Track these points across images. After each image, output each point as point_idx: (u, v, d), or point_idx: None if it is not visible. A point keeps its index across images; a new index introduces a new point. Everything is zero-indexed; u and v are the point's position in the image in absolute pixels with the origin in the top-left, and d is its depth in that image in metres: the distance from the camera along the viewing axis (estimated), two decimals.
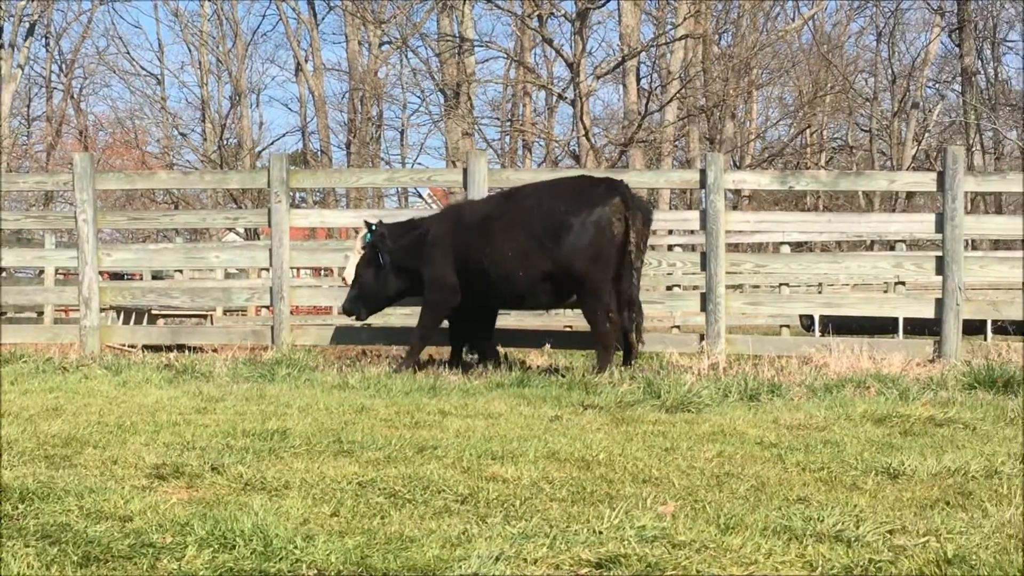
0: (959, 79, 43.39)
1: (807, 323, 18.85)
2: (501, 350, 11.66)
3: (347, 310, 11.66)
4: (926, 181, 12.69)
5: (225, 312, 21.94)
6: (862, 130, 48.51)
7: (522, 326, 13.83)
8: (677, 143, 37.67)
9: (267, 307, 17.60)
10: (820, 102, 41.60)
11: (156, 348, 13.15)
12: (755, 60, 37.14)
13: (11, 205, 37.49)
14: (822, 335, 14.45)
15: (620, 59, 33.42)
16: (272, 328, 12.61)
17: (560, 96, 36.65)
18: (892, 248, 19.15)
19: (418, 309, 11.58)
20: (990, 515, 4.45)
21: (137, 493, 4.83)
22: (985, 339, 14.18)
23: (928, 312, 11.85)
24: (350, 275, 11.54)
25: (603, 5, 33.85)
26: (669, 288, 17.56)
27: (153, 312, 19.45)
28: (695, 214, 13.10)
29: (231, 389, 9.03)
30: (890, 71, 46.93)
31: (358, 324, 12.25)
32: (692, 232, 20.65)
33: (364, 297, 11.50)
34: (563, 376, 9.73)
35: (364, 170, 22.56)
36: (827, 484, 5.17)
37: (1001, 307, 12.38)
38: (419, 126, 63.12)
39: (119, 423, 6.90)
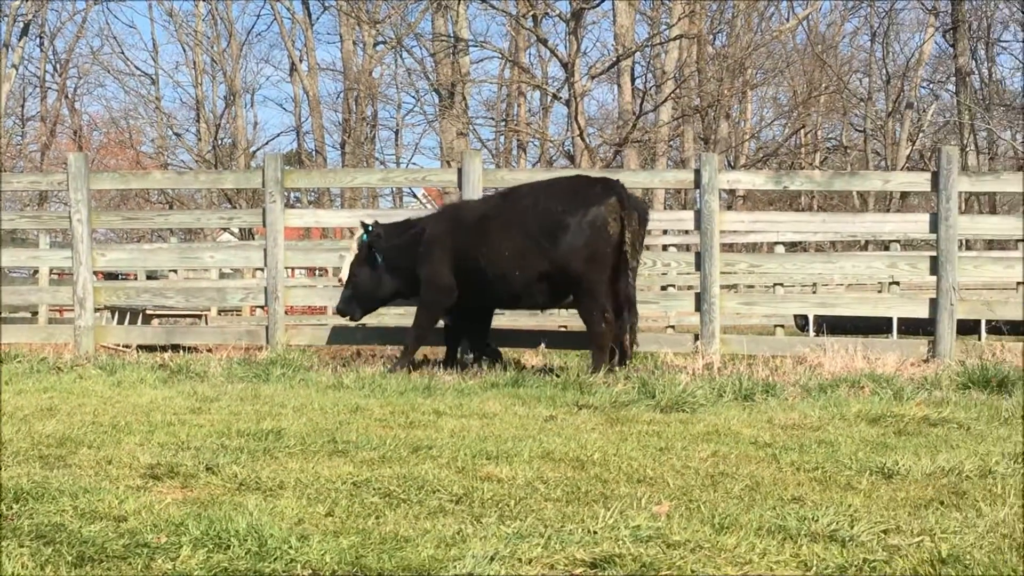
0: (953, 79, 43.46)
1: (801, 323, 18.83)
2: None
3: (341, 311, 11.65)
4: (920, 181, 12.72)
5: (220, 312, 21.92)
6: (856, 130, 48.55)
7: (517, 326, 13.84)
8: (672, 143, 37.69)
9: (262, 307, 17.60)
10: (815, 102, 41.63)
11: (151, 348, 13.13)
12: (750, 60, 37.15)
13: (6, 205, 37.39)
14: (816, 335, 14.42)
15: (615, 59, 33.44)
16: (267, 328, 12.60)
17: (555, 96, 36.66)
18: (886, 248, 19.16)
19: (413, 309, 11.58)
20: (984, 515, 4.46)
21: (132, 493, 4.82)
22: (979, 339, 14.16)
23: (922, 312, 11.86)
24: (346, 275, 11.54)
25: (598, 5, 33.84)
26: (664, 288, 17.57)
27: (148, 312, 19.41)
28: (690, 214, 13.12)
29: (226, 389, 9.03)
30: (884, 71, 46.97)
31: (353, 324, 12.25)
32: (687, 232, 20.63)
33: (358, 297, 11.49)
34: (558, 376, 9.73)
35: (359, 170, 22.56)
36: (821, 484, 5.17)
37: (995, 307, 12.40)
38: (414, 126, 63.05)
39: (114, 423, 6.89)
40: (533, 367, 11.31)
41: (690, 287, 15.40)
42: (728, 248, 18.18)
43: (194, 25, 49.22)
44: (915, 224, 12.83)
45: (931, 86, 48.11)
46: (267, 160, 12.68)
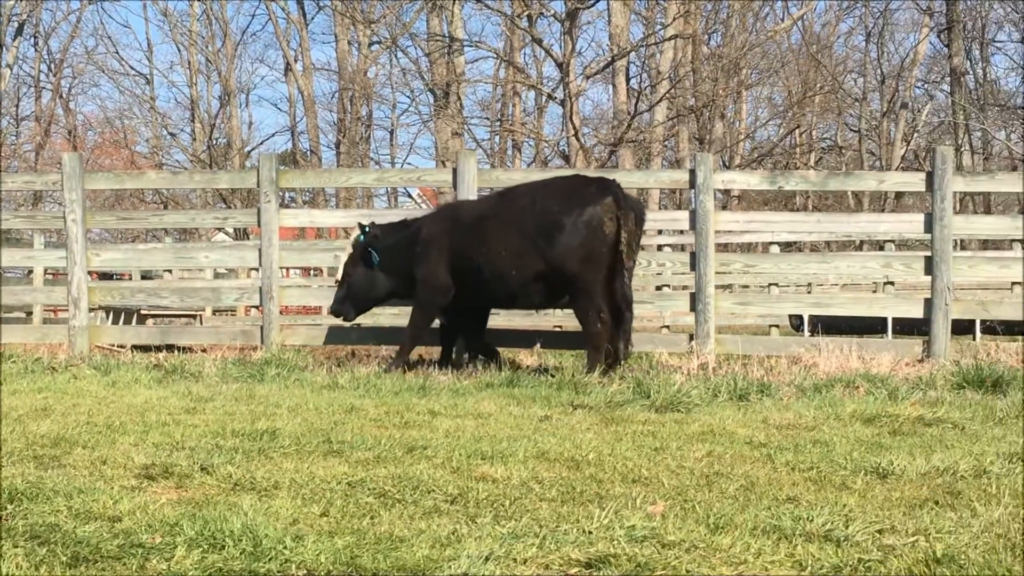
0: (948, 79, 43.48)
1: (796, 323, 18.85)
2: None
3: (335, 311, 11.64)
4: (915, 181, 12.72)
5: (214, 312, 21.91)
6: (851, 130, 48.56)
7: (512, 326, 13.84)
8: (667, 143, 37.71)
9: (256, 307, 17.58)
10: (809, 102, 41.65)
11: (145, 348, 13.12)
12: (744, 60, 37.19)
13: (2, 205, 37.41)
14: (811, 335, 14.45)
15: (610, 59, 33.46)
16: (261, 328, 12.59)
17: (550, 96, 36.66)
18: (881, 248, 19.18)
19: (407, 309, 11.57)
20: (979, 514, 4.46)
21: (126, 493, 4.82)
22: (974, 339, 14.19)
23: (917, 312, 11.87)
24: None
25: (592, 5, 33.89)
26: (659, 288, 17.56)
27: (142, 312, 19.43)
28: (684, 214, 13.11)
29: (220, 389, 9.02)
30: (879, 71, 47.01)
31: (347, 325, 12.24)
32: (681, 232, 20.66)
33: (352, 297, 11.48)
34: (553, 376, 9.73)
35: (354, 170, 22.55)
36: (816, 484, 5.17)
37: (990, 307, 12.41)
38: (409, 126, 63.28)
39: (108, 423, 6.89)
40: (528, 367, 11.31)
41: (685, 287, 15.41)
42: (723, 248, 18.19)
43: (189, 25, 49.25)
44: (910, 224, 12.84)
45: (926, 86, 48.19)
46: (262, 160, 12.67)
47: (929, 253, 11.67)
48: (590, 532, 4.14)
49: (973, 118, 41.16)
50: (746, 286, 19.51)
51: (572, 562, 3.79)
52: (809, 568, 3.75)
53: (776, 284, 14.74)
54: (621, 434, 6.64)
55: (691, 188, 11.98)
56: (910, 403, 7.74)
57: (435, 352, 11.86)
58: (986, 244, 29.25)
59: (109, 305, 16.30)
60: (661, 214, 20.70)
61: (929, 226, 11.61)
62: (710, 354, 11.33)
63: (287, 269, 20.01)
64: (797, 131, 44.25)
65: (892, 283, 13.55)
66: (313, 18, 51.14)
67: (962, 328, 13.83)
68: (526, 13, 34.55)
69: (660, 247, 20.20)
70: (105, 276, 24.74)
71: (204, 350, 12.98)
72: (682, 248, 19.28)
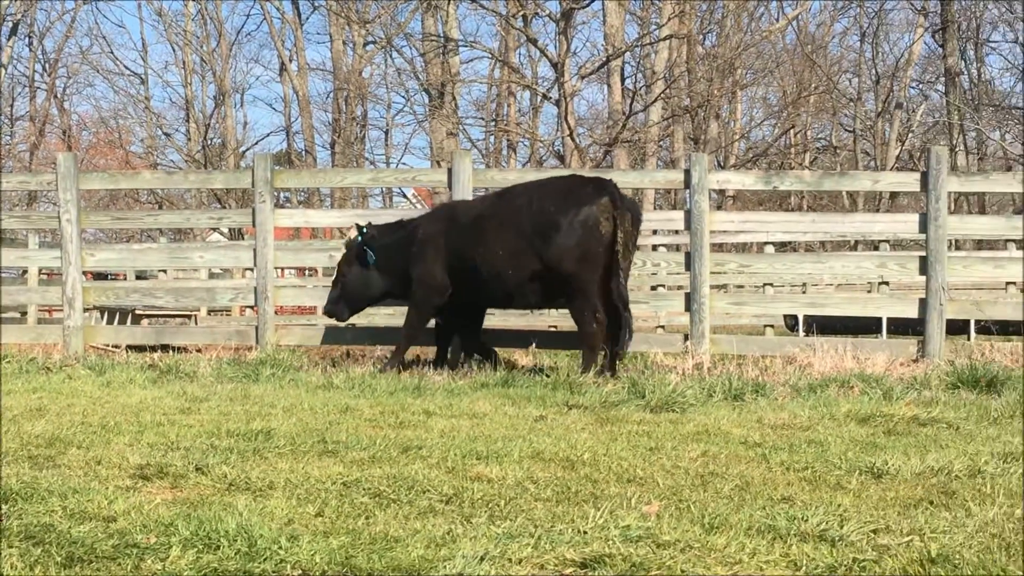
0: (942, 79, 43.50)
1: (791, 323, 18.84)
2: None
3: (329, 312, 11.64)
4: (910, 181, 12.73)
5: (209, 312, 21.87)
6: (846, 130, 48.62)
7: (507, 326, 13.83)
8: (662, 143, 37.69)
9: (251, 307, 17.59)
10: (804, 102, 41.66)
11: (140, 348, 13.12)
12: (739, 60, 37.17)
13: None
14: (806, 335, 14.46)
15: (605, 59, 33.45)
16: (256, 328, 12.58)
17: (545, 96, 36.65)
18: (876, 248, 19.17)
19: (402, 309, 11.57)
20: (973, 514, 4.46)
21: (121, 493, 4.81)
22: (968, 339, 14.19)
23: (912, 312, 11.88)
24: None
25: (587, 5, 33.88)
26: (654, 288, 17.57)
27: (137, 312, 19.37)
28: (679, 214, 13.12)
29: (215, 389, 9.02)
30: (874, 71, 47.06)
31: (342, 325, 12.24)
32: (676, 232, 20.65)
33: (346, 297, 11.48)
34: (548, 376, 9.73)
35: (349, 170, 22.55)
36: (811, 484, 5.18)
37: (984, 307, 12.42)
38: (404, 126, 63.12)
39: (103, 423, 6.88)
40: (523, 367, 11.32)
41: (680, 287, 15.40)
42: (718, 248, 18.18)
43: (183, 25, 49.17)
44: (904, 224, 12.85)
45: (920, 86, 48.22)
46: (257, 160, 12.67)
47: (924, 253, 11.69)
48: (585, 532, 4.14)
49: (968, 118, 41.20)
50: (741, 286, 19.53)
51: (567, 562, 3.79)
52: (804, 568, 3.76)
53: (771, 284, 14.71)
54: (616, 434, 6.64)
55: (686, 188, 11.99)
56: (905, 403, 7.74)
57: (430, 352, 11.86)
58: (981, 244, 29.25)
59: (104, 305, 16.27)
60: (656, 214, 20.70)
61: (924, 226, 11.63)
62: (705, 354, 11.33)
63: (282, 269, 20.04)
64: (792, 131, 44.28)
65: (887, 283, 13.52)
66: (308, 18, 51.30)
67: (957, 328, 13.83)
68: (521, 13, 34.54)
69: (655, 247, 20.19)
70: (100, 276, 24.72)
71: (199, 350, 12.98)
72: (677, 248, 19.29)
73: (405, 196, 46.97)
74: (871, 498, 4.85)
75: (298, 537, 4.05)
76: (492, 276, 10.72)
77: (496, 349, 11.75)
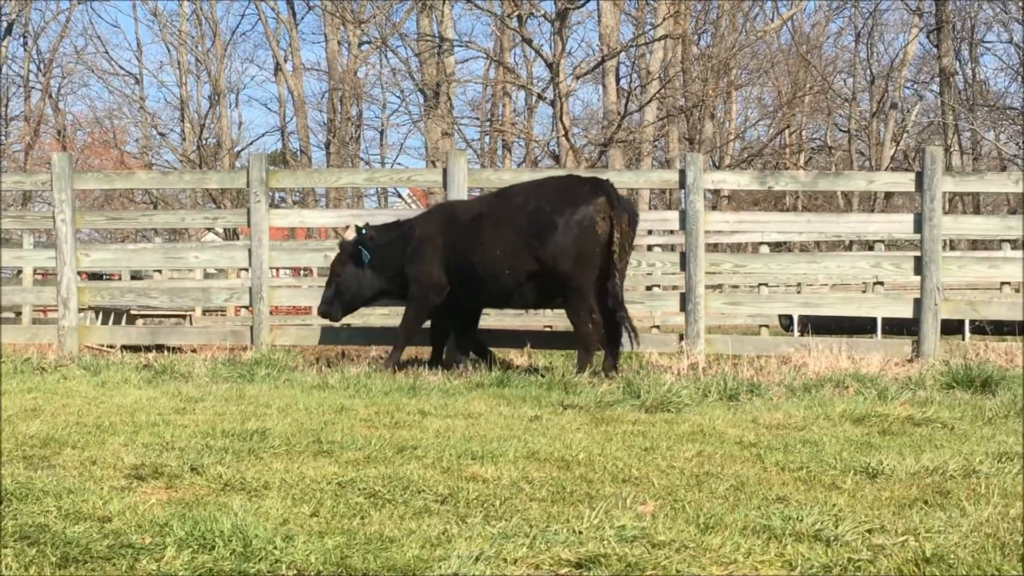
0: (937, 80, 43.55)
1: (786, 323, 18.85)
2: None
3: (323, 312, 11.63)
4: (904, 181, 12.75)
5: (204, 312, 21.87)
6: (841, 130, 48.62)
7: (502, 326, 13.82)
8: (657, 143, 37.70)
9: (246, 307, 17.57)
10: (799, 102, 41.69)
11: (135, 348, 13.11)
12: (734, 60, 37.18)
13: None
14: (801, 335, 14.46)
15: (600, 59, 33.44)
16: (251, 328, 12.58)
17: (540, 96, 36.66)
18: (871, 248, 19.18)
19: (397, 309, 11.57)
20: (968, 514, 4.47)
21: (116, 494, 4.81)
22: (963, 339, 14.21)
23: (906, 312, 11.90)
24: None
25: (583, 5, 33.84)
26: (649, 288, 17.59)
27: (132, 312, 19.37)
28: (675, 214, 13.13)
29: (210, 389, 9.01)
30: (869, 71, 47.08)
31: (337, 325, 12.23)
32: (671, 232, 20.65)
33: (341, 297, 11.48)
34: (543, 376, 9.73)
35: (344, 170, 22.55)
36: (806, 483, 5.18)
37: (979, 307, 12.43)
38: (399, 126, 62.97)
39: (98, 424, 6.88)
40: (518, 367, 11.32)
41: (675, 287, 15.41)
42: (713, 248, 18.21)
43: (178, 25, 49.10)
44: (899, 224, 12.86)
45: (915, 86, 48.24)
46: (252, 160, 12.66)
47: (918, 253, 11.70)
48: (580, 532, 4.14)
49: (962, 118, 41.23)
50: (736, 286, 19.52)
51: (562, 562, 3.79)
52: (799, 568, 3.76)
53: (766, 284, 14.74)
54: (611, 434, 6.65)
55: (681, 188, 11.99)
56: (899, 403, 7.75)
57: (426, 352, 11.86)
58: (975, 244, 29.29)
59: (99, 305, 16.25)
60: (651, 214, 20.64)
61: (918, 226, 11.64)
62: (700, 354, 11.34)
63: (277, 269, 20.01)
64: (787, 131, 44.26)
65: (882, 283, 13.56)
66: (303, 18, 51.25)
67: (951, 328, 13.85)
68: (516, 13, 34.53)
69: (650, 247, 20.18)
70: (95, 276, 24.68)
71: (194, 350, 12.97)
72: (672, 248, 19.29)
73: (400, 196, 47.00)
74: (866, 498, 4.86)
75: (293, 537, 4.05)
76: (489, 276, 10.72)
77: (491, 349, 11.75)
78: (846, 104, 46.32)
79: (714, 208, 32.17)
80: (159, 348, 13.16)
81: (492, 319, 12.84)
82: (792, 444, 6.21)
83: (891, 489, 5.02)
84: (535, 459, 5.72)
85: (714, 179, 13.56)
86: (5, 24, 45.70)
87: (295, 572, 3.72)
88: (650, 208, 32.53)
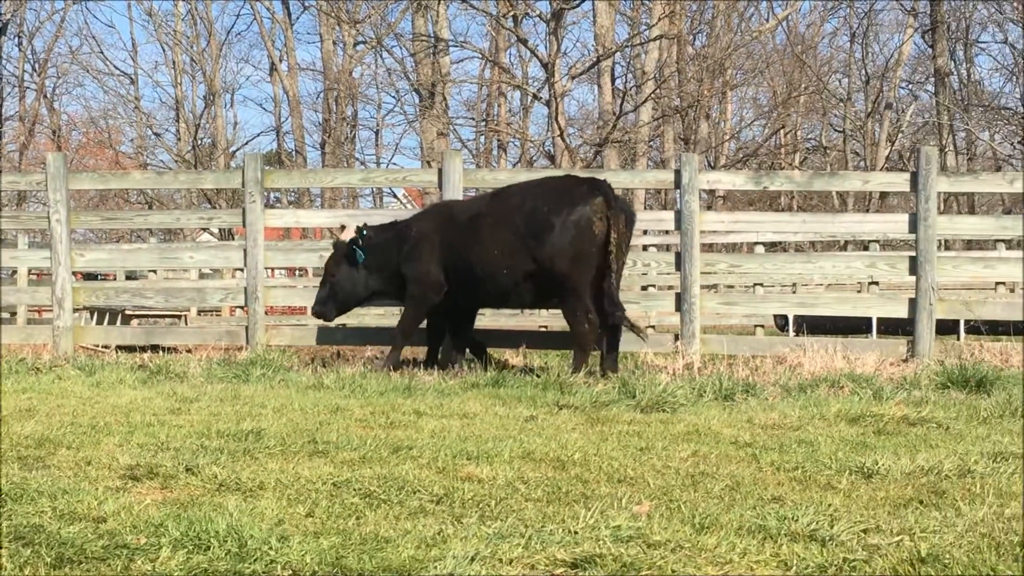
0: (932, 80, 43.61)
1: (781, 323, 18.88)
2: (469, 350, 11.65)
3: (317, 312, 11.61)
4: (899, 181, 12.74)
5: (199, 312, 21.87)
6: (836, 130, 48.68)
7: (497, 326, 13.84)
8: (652, 143, 37.74)
9: (242, 307, 17.55)
10: (794, 103, 41.73)
11: (130, 348, 13.10)
12: (729, 61, 37.23)
13: None
14: (796, 335, 14.49)
15: (595, 59, 33.48)
16: (247, 328, 12.57)
17: (535, 96, 36.66)
18: (866, 248, 19.22)
19: (393, 309, 11.56)
20: (963, 514, 4.47)
21: (111, 494, 4.81)
22: (958, 339, 14.22)
23: (901, 312, 11.90)
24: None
25: (578, 5, 33.89)
26: (644, 288, 17.59)
27: (127, 312, 19.37)
28: (670, 214, 13.13)
29: (205, 390, 9.01)
30: (864, 72, 47.13)
31: (332, 325, 12.23)
32: (667, 232, 20.68)
33: (334, 297, 11.46)
34: (538, 376, 9.73)
35: (339, 170, 22.52)
36: (801, 483, 5.18)
37: (974, 307, 12.44)
38: (394, 126, 63.14)
39: (93, 424, 6.87)
40: (514, 367, 11.32)
41: (670, 287, 15.44)
42: (708, 248, 18.20)
43: (174, 25, 49.11)
44: (894, 224, 12.87)
45: (910, 87, 48.31)
46: (247, 160, 12.65)
47: (913, 253, 11.71)
48: (576, 532, 4.14)
49: (957, 119, 41.30)
50: (731, 286, 19.53)
51: (558, 562, 3.79)
52: (794, 568, 3.76)
53: (761, 284, 14.75)
54: (607, 434, 6.64)
55: (676, 188, 12.00)
56: (895, 403, 7.75)
57: (421, 352, 11.86)
58: (970, 244, 29.34)
59: (93, 305, 16.27)
60: (646, 214, 20.65)
61: (913, 226, 11.65)
62: (695, 354, 11.34)
63: (272, 269, 20.02)
64: (782, 131, 44.32)
65: (877, 283, 13.56)
66: (298, 18, 51.35)
67: (946, 328, 13.86)
68: (511, 13, 34.55)
69: (645, 247, 20.21)
70: (89, 276, 24.71)
71: (189, 350, 12.96)
72: (667, 248, 19.30)
73: (395, 196, 47.00)
74: (861, 498, 4.86)
75: (288, 537, 4.05)
76: (487, 276, 10.73)
77: (487, 349, 11.76)
78: (841, 104, 46.39)
79: (709, 208, 32.15)
80: (154, 348, 13.15)
81: (487, 319, 12.84)
82: (787, 444, 6.21)
83: (886, 489, 5.02)
84: (531, 459, 5.72)
85: (709, 179, 13.55)
86: (0, 24, 45.63)
87: (290, 572, 3.72)
88: (645, 208, 32.61)
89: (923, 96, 47.36)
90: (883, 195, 39.27)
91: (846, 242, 23.71)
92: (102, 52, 52.32)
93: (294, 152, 46.26)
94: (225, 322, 20.34)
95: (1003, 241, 16.53)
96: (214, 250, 15.95)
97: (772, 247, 22.07)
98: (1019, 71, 43.47)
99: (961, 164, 43.12)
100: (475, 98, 45.49)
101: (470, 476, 5.24)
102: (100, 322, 18.08)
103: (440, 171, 12.34)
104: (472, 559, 3.76)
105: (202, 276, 22.08)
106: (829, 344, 11.31)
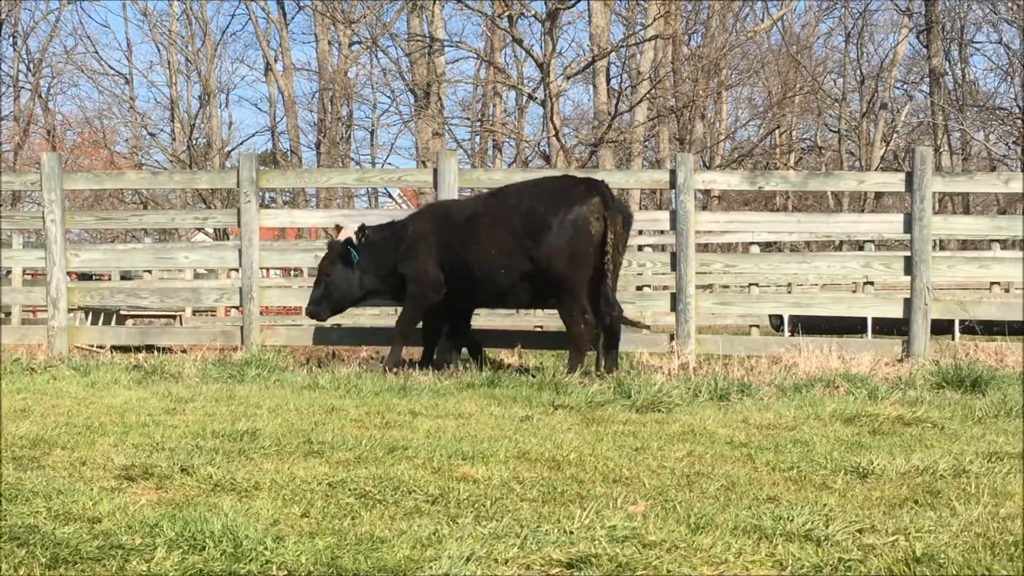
0: (927, 80, 43.66)
1: (776, 323, 18.89)
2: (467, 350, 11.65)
3: (311, 312, 11.59)
4: (894, 182, 12.76)
5: (194, 313, 21.86)
6: (831, 131, 48.72)
7: (493, 326, 13.84)
8: (647, 143, 37.74)
9: (236, 308, 17.55)
10: (789, 103, 41.76)
11: (125, 349, 13.08)
12: (724, 61, 37.22)
13: None
14: (791, 335, 14.48)
15: (590, 59, 33.46)
16: (242, 328, 12.56)
17: (530, 96, 36.65)
18: (861, 248, 19.23)
19: (388, 310, 11.55)
20: (958, 514, 4.47)
21: (106, 494, 4.80)
22: (953, 339, 14.23)
23: (896, 312, 11.91)
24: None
25: (573, 5, 33.85)
26: (639, 288, 17.59)
27: (122, 313, 19.34)
28: (665, 214, 13.14)
29: (200, 390, 9.00)
30: (858, 72, 47.16)
31: (327, 325, 12.22)
32: (662, 232, 20.68)
33: (329, 297, 11.43)
34: (534, 376, 9.73)
35: (334, 170, 22.51)
36: (797, 483, 5.18)
37: (969, 307, 12.44)
38: (389, 126, 62.91)
39: (87, 424, 6.86)
40: (509, 366, 11.32)
41: (665, 287, 15.43)
42: (703, 248, 18.20)
43: (168, 25, 49.03)
44: (889, 224, 12.87)
45: (905, 87, 48.36)
46: (242, 160, 12.64)
47: (909, 253, 11.72)
48: (571, 532, 4.14)
49: (952, 119, 41.34)
50: (726, 286, 19.56)
51: (553, 562, 3.79)
52: (789, 568, 3.76)
53: (756, 284, 14.74)
54: (602, 434, 6.64)
55: (672, 188, 12.00)
56: (890, 403, 7.76)
57: (416, 352, 11.85)
58: (965, 244, 29.36)
59: (88, 306, 16.24)
60: (642, 214, 20.64)
61: (908, 226, 11.65)
62: (691, 354, 11.35)
63: (267, 269, 20.00)
64: (777, 131, 44.36)
65: (872, 283, 13.57)
66: (293, 18, 51.13)
67: (941, 328, 13.87)
68: (507, 13, 34.52)
69: (641, 247, 20.21)
70: (84, 277, 24.65)
71: (184, 351, 12.95)
72: (663, 248, 19.30)
73: (391, 196, 46.95)
74: (856, 498, 4.86)
75: (284, 538, 4.04)
76: (485, 275, 10.72)
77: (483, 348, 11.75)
78: (836, 104, 46.43)
79: (704, 208, 32.20)
80: (149, 348, 13.13)
81: (482, 319, 12.85)
82: (783, 444, 6.22)
83: (881, 489, 5.03)
84: (526, 459, 5.72)
85: (704, 179, 13.57)
86: None
87: (285, 573, 3.72)
88: (640, 208, 32.57)
89: (918, 96, 47.45)
90: (878, 195, 39.33)
91: (841, 242, 23.78)
92: (97, 52, 52.27)
93: (289, 152, 46.21)
94: (220, 322, 20.31)
95: (998, 241, 16.55)
96: (209, 250, 15.92)
97: (767, 247, 22.08)
98: (1014, 71, 43.52)
99: (956, 164, 43.15)
100: (470, 98, 45.51)
101: (465, 476, 5.24)
102: (95, 322, 18.04)
103: (435, 171, 12.33)
104: (468, 559, 3.76)
105: (197, 276, 22.08)
106: (824, 344, 11.32)
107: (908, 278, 11.71)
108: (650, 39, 33.53)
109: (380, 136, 49.78)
